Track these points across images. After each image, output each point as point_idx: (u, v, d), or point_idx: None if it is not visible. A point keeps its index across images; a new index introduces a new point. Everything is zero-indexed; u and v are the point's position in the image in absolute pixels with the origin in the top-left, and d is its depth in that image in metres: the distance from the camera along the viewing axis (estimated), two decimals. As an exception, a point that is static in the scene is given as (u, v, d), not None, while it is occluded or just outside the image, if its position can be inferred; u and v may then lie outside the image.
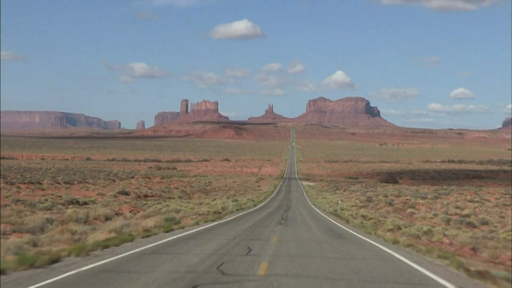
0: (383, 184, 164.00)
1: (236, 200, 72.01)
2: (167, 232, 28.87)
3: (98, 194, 71.26)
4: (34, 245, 20.43)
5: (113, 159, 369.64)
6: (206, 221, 39.58)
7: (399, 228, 37.08)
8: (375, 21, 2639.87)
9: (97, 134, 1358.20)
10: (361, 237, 32.52)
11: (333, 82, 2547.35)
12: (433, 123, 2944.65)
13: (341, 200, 75.23)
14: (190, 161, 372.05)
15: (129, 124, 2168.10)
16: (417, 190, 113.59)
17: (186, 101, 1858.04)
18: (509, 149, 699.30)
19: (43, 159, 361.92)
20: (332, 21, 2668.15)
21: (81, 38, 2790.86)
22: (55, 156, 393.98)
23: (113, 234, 24.85)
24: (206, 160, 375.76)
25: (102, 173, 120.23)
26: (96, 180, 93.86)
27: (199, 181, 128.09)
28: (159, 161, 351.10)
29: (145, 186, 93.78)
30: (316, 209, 72.52)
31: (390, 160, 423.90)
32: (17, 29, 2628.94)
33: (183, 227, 32.34)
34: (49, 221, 31.49)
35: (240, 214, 55.59)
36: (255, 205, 76.65)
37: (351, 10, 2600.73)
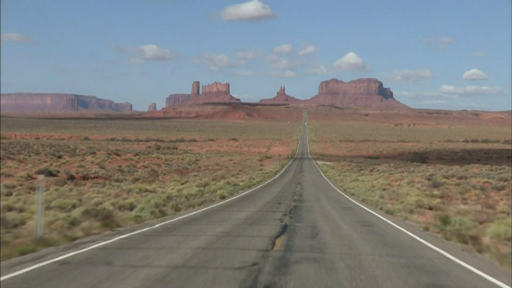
0: (415, 163, 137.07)
1: (204, 186, 46.15)
2: None
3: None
4: None
5: (112, 139, 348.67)
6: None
7: None
8: (387, 2, 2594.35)
9: (107, 116, 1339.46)
10: None
11: (345, 64, 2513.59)
12: (446, 105, 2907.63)
13: (389, 184, 49.80)
14: (194, 140, 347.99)
15: (141, 107, 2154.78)
16: (466, 170, 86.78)
17: (197, 83, 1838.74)
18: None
19: (38, 138, 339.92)
20: (343, 1, 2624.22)
21: (91, 20, 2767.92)
22: (51, 136, 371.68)
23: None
24: (212, 140, 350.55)
25: (59, 148, 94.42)
26: (31, 156, 68.12)
27: (182, 159, 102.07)
28: (162, 140, 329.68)
29: (97, 165, 68.11)
30: (359, 203, 41.84)
31: (409, 140, 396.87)
32: (27, 11, 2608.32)
33: None
34: None
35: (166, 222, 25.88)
36: (231, 194, 47.23)
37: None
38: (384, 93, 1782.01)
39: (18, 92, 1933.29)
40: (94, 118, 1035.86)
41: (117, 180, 50.75)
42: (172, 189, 40.21)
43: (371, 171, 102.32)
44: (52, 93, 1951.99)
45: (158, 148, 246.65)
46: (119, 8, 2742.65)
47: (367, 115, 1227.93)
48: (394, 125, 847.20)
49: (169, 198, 32.57)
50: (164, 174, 64.92)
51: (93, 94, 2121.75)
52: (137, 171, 65.13)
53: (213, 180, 54.49)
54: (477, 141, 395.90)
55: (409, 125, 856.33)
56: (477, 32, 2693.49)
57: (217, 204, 37.55)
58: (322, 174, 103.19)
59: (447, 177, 57.55)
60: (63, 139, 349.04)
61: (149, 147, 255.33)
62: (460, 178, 56.84)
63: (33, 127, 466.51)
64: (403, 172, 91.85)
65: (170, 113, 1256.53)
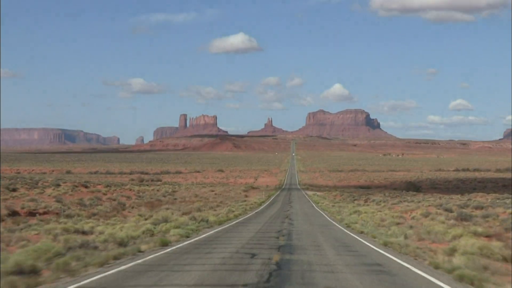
0: (410, 193, 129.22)
1: (165, 221, 36.73)
2: None
3: None
4: None
5: (96, 172, 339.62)
6: None
7: None
8: (372, 33, 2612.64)
9: (93, 149, 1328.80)
10: None
11: (332, 95, 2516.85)
12: (433, 134, 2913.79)
13: (400, 216, 41.38)
14: (180, 172, 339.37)
15: (128, 140, 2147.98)
16: (470, 199, 78.84)
17: (185, 115, 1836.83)
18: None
19: (18, 172, 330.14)
20: (329, 33, 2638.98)
21: (78, 55, 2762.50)
22: (32, 170, 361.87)
23: None
24: (198, 172, 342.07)
25: (21, 180, 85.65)
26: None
27: (158, 191, 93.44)
28: (146, 173, 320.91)
29: (54, 198, 59.66)
30: (384, 252, 27.51)
31: (399, 169, 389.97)
32: (15, 47, 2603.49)
33: None
34: None
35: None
36: (187, 237, 33.66)
37: (348, 23, 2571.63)
38: (371, 123, 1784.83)
39: (5, 127, 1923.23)
40: (80, 152, 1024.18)
41: (68, 216, 42.62)
42: (122, 227, 31.53)
43: (365, 201, 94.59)
44: (39, 128, 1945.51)
45: (142, 181, 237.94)
46: (106, 42, 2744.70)
47: (355, 145, 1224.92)
48: (383, 155, 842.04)
49: (71, 248, 22.00)
50: (132, 207, 56.79)
51: (80, 128, 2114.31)
52: (101, 205, 56.93)
53: (184, 214, 46.00)
54: (468, 170, 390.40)
55: (398, 155, 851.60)
56: (463, 63, 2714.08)
57: (139, 260, 23.02)
58: (314, 205, 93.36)
59: (462, 207, 49.47)
60: (44, 173, 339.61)
61: (132, 179, 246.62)
62: (476, 208, 48.74)
63: (15, 161, 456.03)
64: (401, 202, 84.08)
65: (157, 146, 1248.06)
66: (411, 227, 34.02)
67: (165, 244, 28.87)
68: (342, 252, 27.41)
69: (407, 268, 21.88)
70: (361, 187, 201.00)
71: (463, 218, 36.56)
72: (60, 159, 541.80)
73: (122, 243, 25.88)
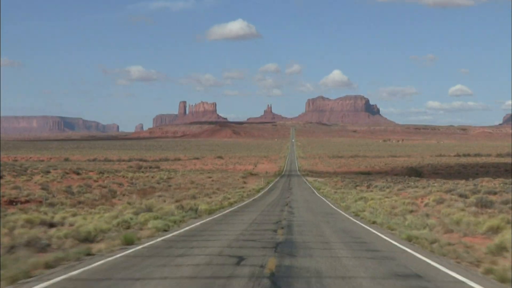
0: (413, 178, 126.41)
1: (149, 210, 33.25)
2: None
3: None
4: None
5: (94, 159, 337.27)
6: None
7: None
8: (371, 19, 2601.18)
9: (92, 137, 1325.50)
10: None
11: (331, 82, 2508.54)
12: (432, 120, 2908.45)
13: (412, 203, 38.24)
14: (179, 159, 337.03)
15: (128, 127, 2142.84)
16: (476, 185, 76.19)
17: (184, 103, 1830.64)
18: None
19: (16, 160, 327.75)
20: (328, 20, 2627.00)
21: (77, 43, 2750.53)
22: (30, 158, 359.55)
23: None
24: (197, 158, 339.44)
25: (9, 167, 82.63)
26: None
27: (152, 177, 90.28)
28: (145, 160, 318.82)
29: (40, 185, 56.68)
30: (414, 251, 21.35)
31: (400, 155, 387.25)
32: (13, 35, 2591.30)
33: None
34: None
35: None
36: (165, 230, 28.13)
37: (347, 9, 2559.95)
38: (371, 109, 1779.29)
39: (4, 115, 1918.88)
40: (79, 139, 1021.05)
41: (50, 204, 39.69)
42: (101, 217, 28.22)
43: (367, 187, 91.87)
44: (38, 116, 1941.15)
45: (140, 168, 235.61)
46: (105, 30, 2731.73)
47: (355, 131, 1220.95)
48: (383, 141, 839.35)
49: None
50: (124, 195, 53.85)
51: (80, 116, 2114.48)
52: (90, 192, 53.95)
53: (177, 201, 42.88)
54: (469, 155, 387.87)
55: (398, 141, 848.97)
56: (462, 48, 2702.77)
57: (73, 272, 16.22)
58: (315, 191, 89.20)
59: (475, 193, 46.36)
60: (42, 160, 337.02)
61: (131, 166, 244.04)
62: (489, 193, 45.60)
63: (13, 149, 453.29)
64: (405, 187, 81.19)
65: (156, 133, 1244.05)
66: (427, 215, 30.53)
67: (129, 242, 22.49)
68: (359, 253, 21.01)
69: (463, 282, 15.32)
70: (362, 173, 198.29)
71: (484, 205, 33.26)
72: (59, 146, 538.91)
73: (87, 239, 21.61)
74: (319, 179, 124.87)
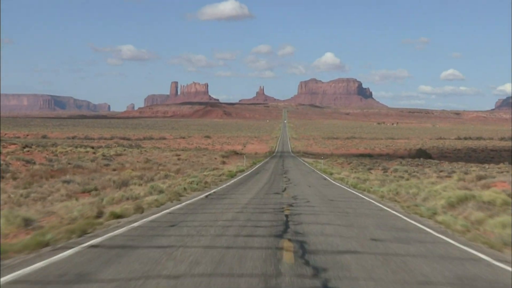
0: (430, 161, 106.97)
1: None
2: None
3: None
4: None
5: (73, 137, 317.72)
6: None
7: None
8: (364, 2, 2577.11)
9: (82, 116, 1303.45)
10: None
11: (323, 64, 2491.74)
12: (424, 105, 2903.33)
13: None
14: (164, 138, 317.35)
15: (120, 107, 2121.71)
16: (499, 169, 56.93)
17: (176, 83, 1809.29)
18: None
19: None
20: (321, 1, 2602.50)
21: (67, 20, 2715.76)
22: (5, 134, 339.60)
23: None
24: (183, 138, 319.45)
25: None
26: None
27: (94, 154, 69.45)
28: (128, 138, 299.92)
29: None
30: None
31: (399, 137, 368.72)
32: (3, 12, 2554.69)
33: None
34: None
35: None
36: None
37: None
38: (364, 93, 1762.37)
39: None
40: (66, 117, 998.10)
41: None
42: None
43: (384, 170, 72.25)
44: (28, 94, 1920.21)
45: (119, 146, 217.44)
46: (96, 8, 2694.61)
47: (348, 114, 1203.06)
48: (377, 124, 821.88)
49: None
50: (15, 179, 34.01)
51: (71, 95, 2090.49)
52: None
53: (84, 192, 23.25)
54: (470, 138, 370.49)
55: (392, 124, 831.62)
56: (454, 32, 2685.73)
57: None
58: (327, 177, 59.85)
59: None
60: (18, 137, 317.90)
61: (109, 145, 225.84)
62: None
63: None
64: (435, 172, 61.82)
65: (146, 113, 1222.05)
66: None
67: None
68: None
69: None
70: (362, 155, 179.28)
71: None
72: (41, 123, 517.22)
73: None
74: (320, 160, 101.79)
